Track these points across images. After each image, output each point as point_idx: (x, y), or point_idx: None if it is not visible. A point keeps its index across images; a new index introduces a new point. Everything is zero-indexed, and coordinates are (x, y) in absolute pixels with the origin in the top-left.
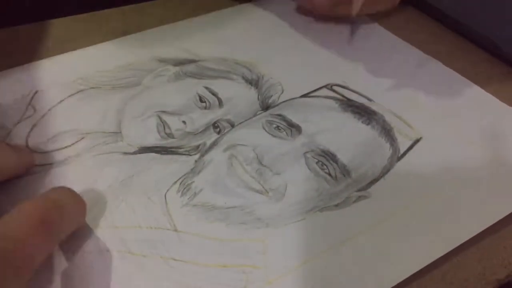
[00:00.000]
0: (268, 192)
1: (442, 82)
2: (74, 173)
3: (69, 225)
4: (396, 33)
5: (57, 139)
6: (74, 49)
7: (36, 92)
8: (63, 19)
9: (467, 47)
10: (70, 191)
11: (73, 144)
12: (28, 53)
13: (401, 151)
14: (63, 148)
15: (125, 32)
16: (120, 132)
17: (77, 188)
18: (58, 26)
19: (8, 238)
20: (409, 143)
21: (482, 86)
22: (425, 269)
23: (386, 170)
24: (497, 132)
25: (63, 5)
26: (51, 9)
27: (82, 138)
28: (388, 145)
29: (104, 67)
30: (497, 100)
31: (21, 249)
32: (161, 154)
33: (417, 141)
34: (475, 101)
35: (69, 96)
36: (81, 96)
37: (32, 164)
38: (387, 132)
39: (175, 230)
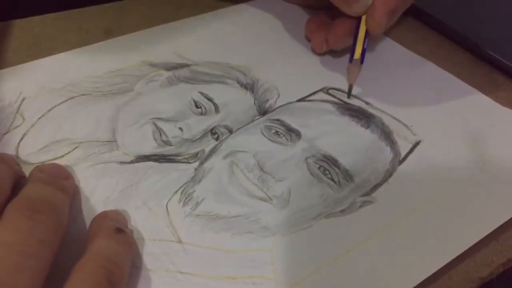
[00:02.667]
0: (272, 200)
1: (437, 84)
2: None
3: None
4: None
5: (49, 149)
6: (52, 49)
7: (23, 99)
8: (41, 17)
9: (450, 47)
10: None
11: (66, 154)
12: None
13: (402, 155)
14: (56, 158)
15: (107, 31)
16: (115, 141)
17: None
18: (35, 24)
19: None
20: (409, 146)
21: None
22: None
23: (389, 174)
24: (493, 134)
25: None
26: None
27: (76, 147)
28: (388, 148)
29: (94, 73)
30: (492, 101)
31: None
32: (160, 162)
33: (416, 144)
34: (471, 102)
35: (59, 103)
36: (72, 104)
37: (20, 175)
38: (386, 135)
39: (180, 242)
